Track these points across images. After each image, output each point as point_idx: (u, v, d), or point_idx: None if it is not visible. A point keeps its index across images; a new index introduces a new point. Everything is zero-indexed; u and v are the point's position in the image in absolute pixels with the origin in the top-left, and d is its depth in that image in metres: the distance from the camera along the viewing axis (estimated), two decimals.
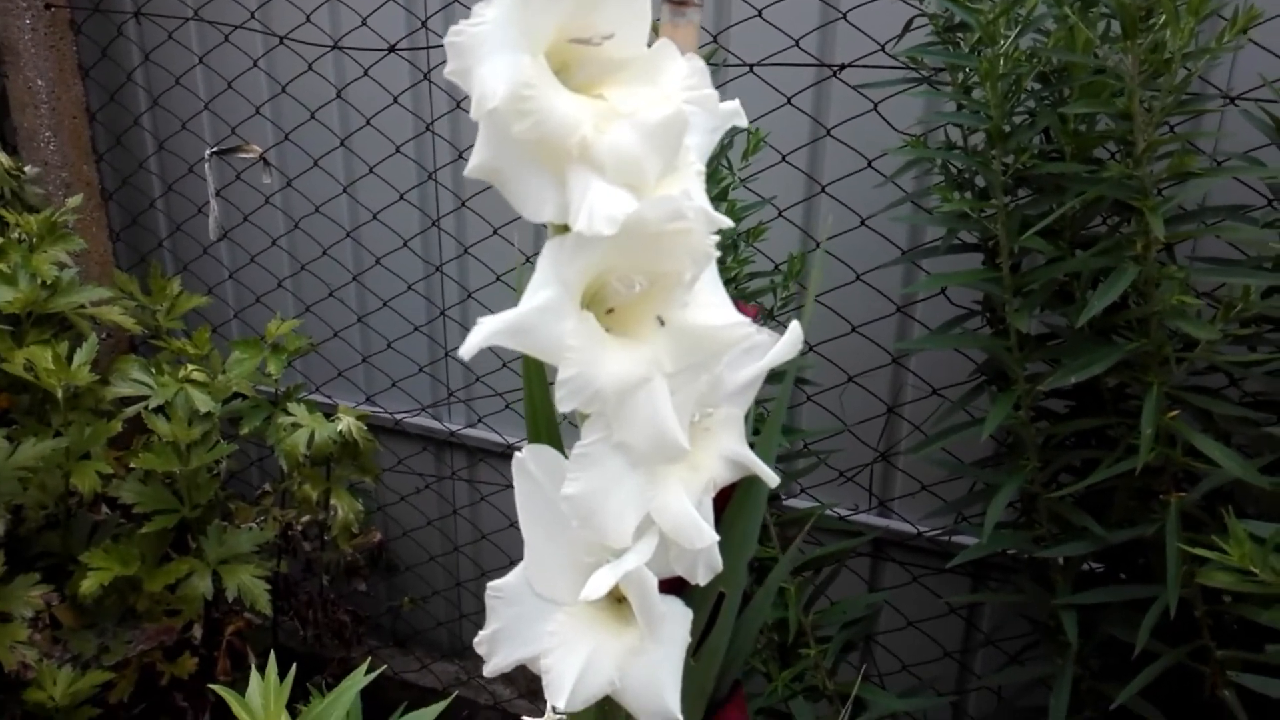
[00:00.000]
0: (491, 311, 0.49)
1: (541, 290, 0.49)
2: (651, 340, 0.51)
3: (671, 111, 0.47)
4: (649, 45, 0.50)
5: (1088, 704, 1.33)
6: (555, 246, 0.49)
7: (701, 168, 0.51)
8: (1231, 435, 1.21)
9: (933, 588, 1.69)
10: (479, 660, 0.59)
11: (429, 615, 2.33)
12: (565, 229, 0.48)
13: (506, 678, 2.22)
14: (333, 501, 1.77)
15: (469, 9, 0.48)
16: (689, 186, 0.48)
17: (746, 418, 0.59)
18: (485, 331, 0.47)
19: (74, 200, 1.90)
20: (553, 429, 0.60)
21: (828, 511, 1.58)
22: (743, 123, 0.55)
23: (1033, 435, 1.27)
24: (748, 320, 0.53)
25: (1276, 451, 1.17)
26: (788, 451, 1.50)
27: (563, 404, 0.49)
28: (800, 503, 1.71)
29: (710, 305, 0.51)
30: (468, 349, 0.47)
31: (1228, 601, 1.14)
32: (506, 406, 2.06)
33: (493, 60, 0.45)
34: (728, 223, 0.50)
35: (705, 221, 0.49)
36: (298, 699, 1.10)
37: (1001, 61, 1.17)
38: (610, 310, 0.52)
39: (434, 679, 2.26)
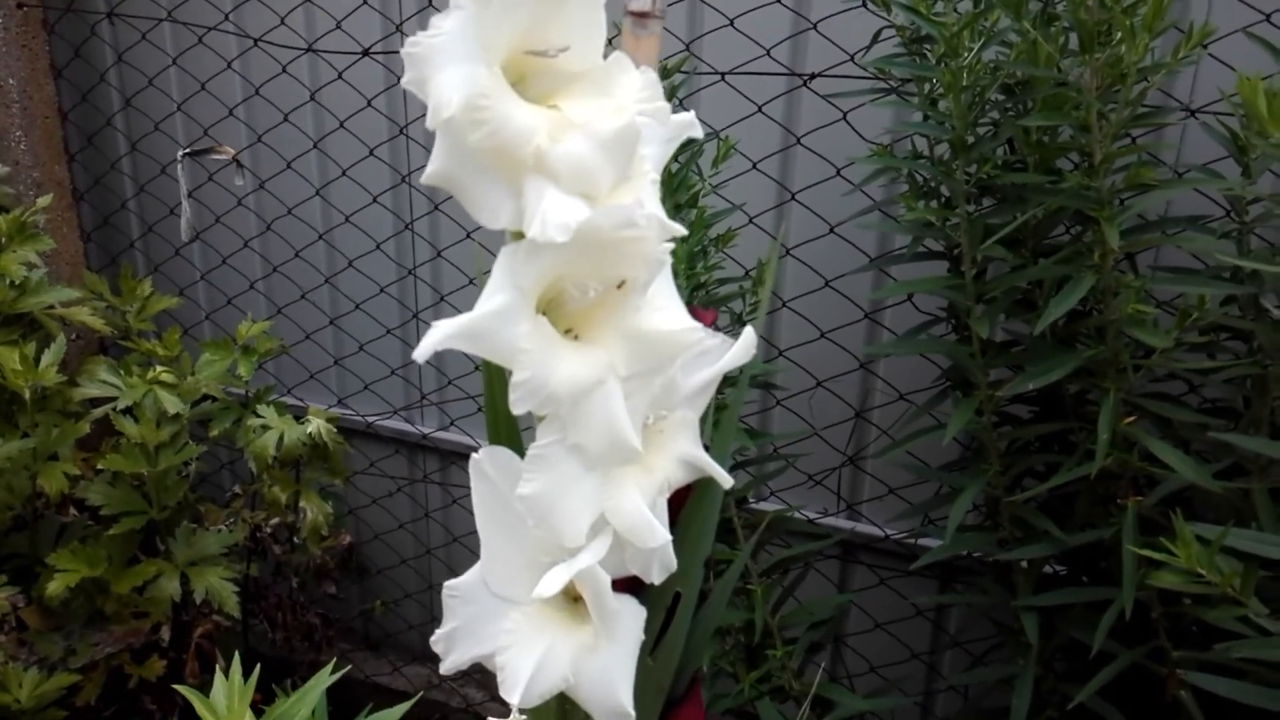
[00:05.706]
0: None
1: (496, 295, 0.50)
2: (606, 344, 0.52)
3: (625, 123, 0.48)
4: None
5: (1050, 704, 1.35)
6: (510, 253, 0.50)
7: (656, 177, 0.53)
8: (1190, 441, 1.24)
9: (900, 590, 1.71)
10: None
11: (401, 618, 2.32)
12: (521, 236, 0.49)
13: (479, 681, 2.22)
14: (302, 504, 1.77)
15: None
16: (642, 195, 0.50)
17: (704, 420, 0.60)
18: (439, 335, 0.48)
19: (44, 200, 1.88)
20: (513, 431, 0.61)
21: (797, 514, 1.60)
22: (698, 133, 0.56)
23: (994, 440, 1.29)
24: (700, 325, 0.54)
25: (1232, 456, 1.20)
26: (758, 455, 1.52)
27: (516, 406, 0.50)
28: (770, 506, 1.73)
29: (664, 310, 0.53)
30: (422, 352, 0.48)
31: (1187, 604, 1.16)
32: (479, 410, 2.06)
33: (449, 70, 0.46)
34: (681, 230, 0.51)
35: (658, 229, 0.50)
36: (267, 702, 1.10)
37: (965, 73, 1.18)
38: (567, 315, 0.53)
39: (405, 682, 2.26)
